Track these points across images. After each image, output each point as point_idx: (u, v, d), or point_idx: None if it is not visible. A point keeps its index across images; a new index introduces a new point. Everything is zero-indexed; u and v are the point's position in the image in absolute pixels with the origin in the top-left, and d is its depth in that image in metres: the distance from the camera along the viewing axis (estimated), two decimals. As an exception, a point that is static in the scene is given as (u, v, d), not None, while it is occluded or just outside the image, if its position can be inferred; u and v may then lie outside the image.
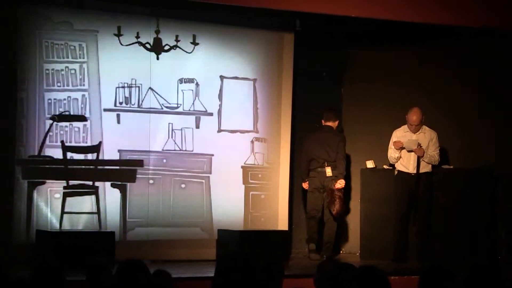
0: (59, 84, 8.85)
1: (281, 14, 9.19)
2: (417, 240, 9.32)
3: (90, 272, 4.83)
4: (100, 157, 8.95)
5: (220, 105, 9.58)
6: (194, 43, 9.38)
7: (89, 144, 8.93)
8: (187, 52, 9.36)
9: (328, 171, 9.29)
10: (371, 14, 8.80)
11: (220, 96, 9.59)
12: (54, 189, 8.74)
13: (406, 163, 9.27)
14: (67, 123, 8.85)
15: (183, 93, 9.38)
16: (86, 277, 4.83)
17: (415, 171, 9.25)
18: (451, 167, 9.56)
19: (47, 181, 8.71)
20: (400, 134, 9.31)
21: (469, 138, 9.74)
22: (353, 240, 10.03)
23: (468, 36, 9.53)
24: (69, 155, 8.83)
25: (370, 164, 9.72)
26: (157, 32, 9.21)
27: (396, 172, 9.35)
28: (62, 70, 8.87)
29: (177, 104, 9.35)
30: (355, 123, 10.33)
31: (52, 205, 8.71)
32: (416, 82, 10.01)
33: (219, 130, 9.57)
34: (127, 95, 9.13)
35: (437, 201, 9.38)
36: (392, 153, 9.26)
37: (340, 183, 9.27)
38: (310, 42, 10.06)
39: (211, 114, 9.53)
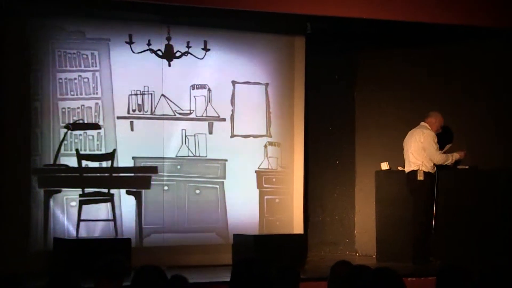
0: (72, 93, 8.89)
1: (292, 18, 9.19)
2: (436, 239, 9.27)
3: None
4: (115, 165, 8.99)
5: (233, 110, 9.60)
6: (206, 49, 9.41)
7: (103, 152, 8.97)
8: (198, 58, 9.39)
9: None
10: (382, 15, 8.79)
11: (232, 101, 9.61)
12: (70, 197, 8.79)
13: (432, 164, 9.25)
14: (81, 132, 8.90)
15: (195, 99, 9.41)
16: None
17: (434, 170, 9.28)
18: (467, 167, 9.52)
19: (63, 189, 8.76)
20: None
21: (483, 139, 9.69)
22: (369, 242, 10.01)
23: (483, 36, 9.49)
24: (84, 163, 8.87)
25: (384, 166, 9.71)
26: (168, 39, 9.25)
27: (422, 174, 9.17)
28: (75, 78, 8.92)
29: (190, 110, 9.38)
30: (368, 125, 10.33)
31: (68, 213, 8.75)
32: (429, 83, 9.98)
33: (232, 135, 9.59)
34: (140, 102, 9.17)
35: (454, 201, 9.33)
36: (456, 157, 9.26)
37: None
38: (322, 45, 10.06)
39: (224, 120, 9.55)
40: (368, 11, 8.70)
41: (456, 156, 9.24)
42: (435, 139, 9.18)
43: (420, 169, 9.14)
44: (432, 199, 9.24)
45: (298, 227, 9.78)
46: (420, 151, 9.16)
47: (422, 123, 9.30)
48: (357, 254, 10.23)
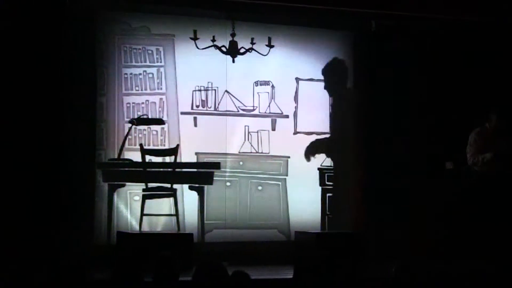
0: (137, 88, 9.00)
1: (356, 15, 9.14)
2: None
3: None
4: (178, 160, 9.07)
5: (296, 107, 9.60)
6: (270, 46, 9.40)
7: (167, 147, 9.06)
8: (262, 54, 9.40)
9: None
10: (447, 14, 8.68)
11: (296, 98, 9.60)
12: (133, 191, 8.90)
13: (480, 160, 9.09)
14: (145, 127, 9.00)
15: (258, 95, 9.43)
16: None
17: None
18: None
19: (127, 183, 8.87)
20: None
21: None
22: (426, 242, 9.86)
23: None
24: (148, 158, 8.97)
25: (449, 165, 9.58)
26: (233, 35, 9.28)
27: (471, 171, 9.03)
28: (140, 74, 9.02)
29: (253, 106, 9.40)
30: (431, 124, 10.18)
31: (131, 207, 8.87)
32: (495, 84, 9.82)
33: (295, 132, 9.59)
34: (203, 98, 9.23)
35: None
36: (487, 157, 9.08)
37: None
38: (386, 43, 9.95)
39: (287, 116, 9.55)
40: (432, 9, 8.60)
41: (487, 156, 8.99)
42: (474, 137, 9.03)
43: (469, 166, 9.06)
44: (483, 198, 9.08)
45: (359, 226, 9.72)
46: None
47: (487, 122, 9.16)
48: (415, 254, 10.08)
